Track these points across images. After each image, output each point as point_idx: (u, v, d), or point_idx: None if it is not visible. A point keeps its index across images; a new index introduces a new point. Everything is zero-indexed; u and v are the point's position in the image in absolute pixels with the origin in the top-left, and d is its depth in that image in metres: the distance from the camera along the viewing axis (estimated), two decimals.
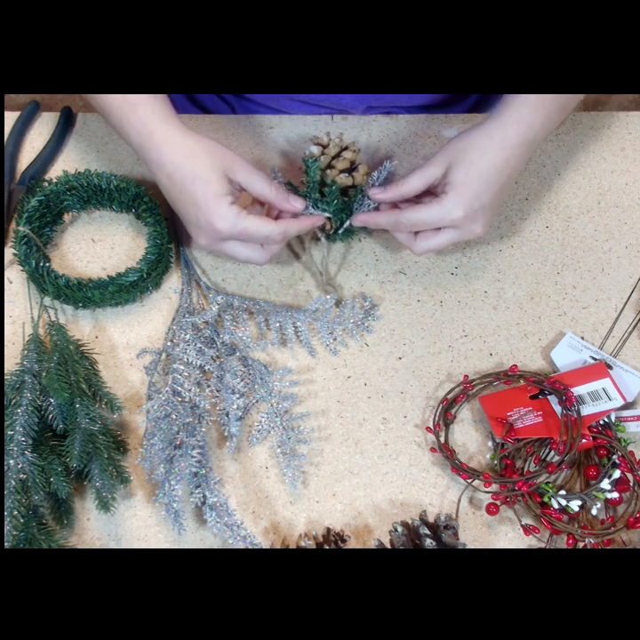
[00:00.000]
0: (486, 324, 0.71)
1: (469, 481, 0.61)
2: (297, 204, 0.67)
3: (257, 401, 0.66)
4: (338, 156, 0.69)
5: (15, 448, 0.57)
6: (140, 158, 0.66)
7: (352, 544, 0.60)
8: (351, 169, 0.70)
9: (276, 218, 0.69)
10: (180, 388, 0.63)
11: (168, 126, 0.63)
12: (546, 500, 0.60)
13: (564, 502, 0.58)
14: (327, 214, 0.69)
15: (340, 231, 0.71)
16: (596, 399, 0.63)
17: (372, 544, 0.58)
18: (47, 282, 0.67)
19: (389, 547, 0.56)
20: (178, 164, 0.62)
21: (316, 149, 0.69)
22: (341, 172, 0.69)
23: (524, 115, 0.64)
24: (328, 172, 0.68)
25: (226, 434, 0.63)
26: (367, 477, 0.63)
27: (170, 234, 0.72)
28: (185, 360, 0.65)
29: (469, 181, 0.62)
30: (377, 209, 0.70)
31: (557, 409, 0.63)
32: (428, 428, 0.65)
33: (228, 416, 0.63)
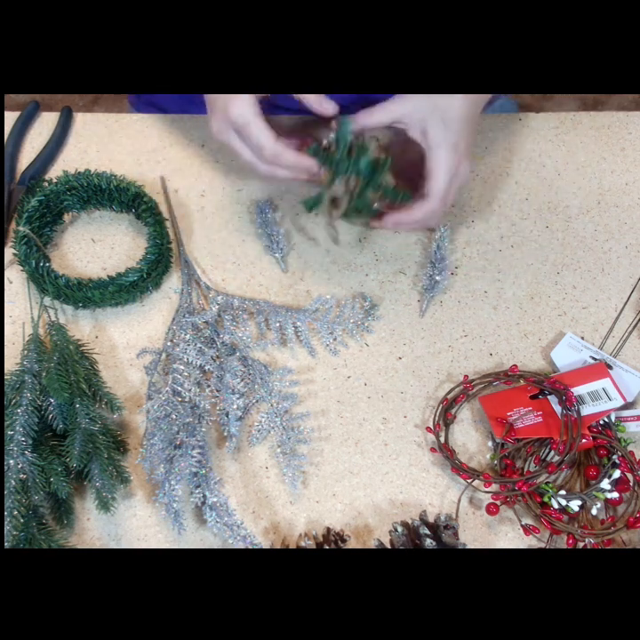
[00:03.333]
0: (486, 324, 0.71)
1: (469, 481, 0.61)
2: (330, 108, 0.64)
3: (257, 401, 0.66)
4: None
5: (15, 448, 0.57)
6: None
7: (352, 544, 0.60)
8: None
9: None
10: (180, 388, 0.63)
11: None
12: (546, 500, 0.60)
13: (564, 502, 0.58)
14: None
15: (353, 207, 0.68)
16: (596, 399, 0.63)
17: (372, 544, 0.58)
18: (47, 282, 0.67)
19: (389, 547, 0.56)
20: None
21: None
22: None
23: None
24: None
25: (226, 434, 0.63)
26: (367, 477, 0.63)
27: (170, 234, 0.72)
28: (185, 360, 0.65)
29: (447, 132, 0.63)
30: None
31: (557, 409, 0.63)
32: (428, 428, 0.65)
33: (227, 416, 0.63)
